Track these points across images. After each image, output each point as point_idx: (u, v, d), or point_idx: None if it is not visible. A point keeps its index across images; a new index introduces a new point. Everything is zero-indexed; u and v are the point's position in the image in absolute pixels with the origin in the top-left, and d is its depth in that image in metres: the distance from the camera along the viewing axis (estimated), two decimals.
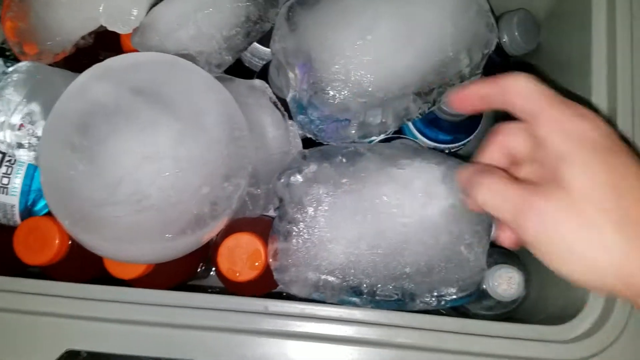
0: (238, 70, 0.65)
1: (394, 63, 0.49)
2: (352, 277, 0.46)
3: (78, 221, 0.43)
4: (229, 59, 0.53)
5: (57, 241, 0.49)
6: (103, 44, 0.59)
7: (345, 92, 0.49)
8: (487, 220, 0.47)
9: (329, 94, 0.49)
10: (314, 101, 0.50)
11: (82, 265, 0.56)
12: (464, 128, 0.59)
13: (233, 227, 0.59)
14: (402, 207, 0.46)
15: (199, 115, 0.47)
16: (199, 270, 0.65)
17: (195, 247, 0.48)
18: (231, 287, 0.58)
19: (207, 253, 0.62)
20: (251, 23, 0.51)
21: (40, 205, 0.52)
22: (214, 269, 0.69)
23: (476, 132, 0.60)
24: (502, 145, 0.40)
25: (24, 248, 0.50)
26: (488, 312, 0.55)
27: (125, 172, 0.44)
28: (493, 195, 0.36)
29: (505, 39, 0.57)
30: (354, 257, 0.46)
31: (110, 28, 0.50)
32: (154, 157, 0.45)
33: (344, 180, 0.47)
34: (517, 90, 0.37)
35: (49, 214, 0.52)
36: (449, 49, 0.50)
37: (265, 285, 0.58)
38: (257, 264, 0.51)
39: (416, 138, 0.60)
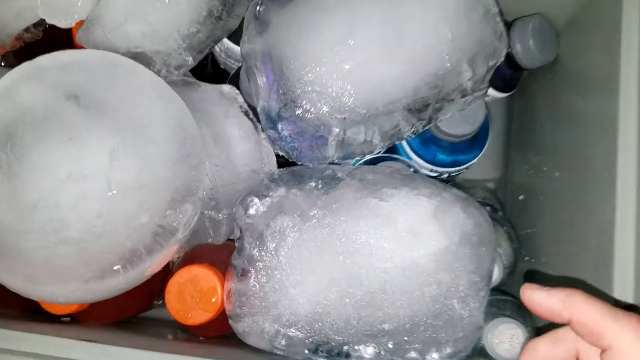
0: (214, 73, 0.57)
1: (380, 73, 0.40)
2: (318, 332, 0.38)
3: None
4: (189, 60, 0.46)
5: None
6: (57, 38, 0.51)
7: (321, 105, 0.40)
8: (488, 267, 0.39)
9: (301, 107, 0.41)
10: (283, 114, 0.41)
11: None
12: (467, 149, 0.50)
13: (190, 257, 0.51)
14: (382, 248, 0.38)
15: (142, 126, 0.39)
16: (156, 302, 0.57)
17: (135, 284, 0.40)
18: (188, 328, 0.50)
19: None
20: (214, 19, 0.43)
21: None
22: None
23: (480, 154, 0.51)
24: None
25: None
26: None
27: (45, 192, 0.36)
28: None
29: (518, 48, 0.49)
30: (322, 307, 0.37)
31: (49, 21, 0.43)
32: (80, 175, 0.37)
33: (314, 212, 0.39)
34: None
35: None
36: (447, 58, 0.41)
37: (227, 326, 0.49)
38: (213, 301, 0.43)
39: (410, 159, 0.51)
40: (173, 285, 0.43)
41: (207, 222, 0.47)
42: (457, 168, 0.51)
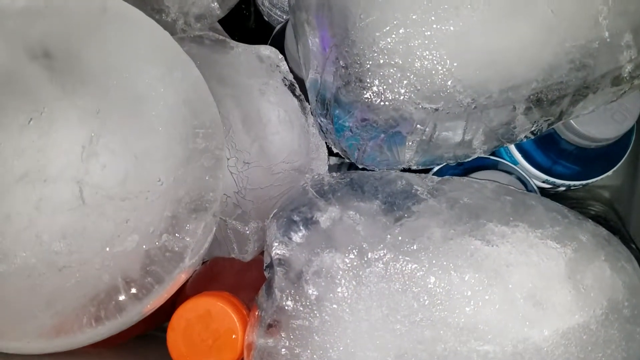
0: (256, 28, 0.44)
1: (500, 42, 0.26)
2: None
3: None
4: (216, 7, 0.32)
5: None
6: None
7: (402, 87, 0.27)
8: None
9: (371, 88, 0.27)
10: (343, 97, 0.28)
11: None
12: (601, 159, 0.36)
13: (207, 275, 0.39)
14: (484, 321, 0.24)
15: (134, 105, 0.27)
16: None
17: (125, 327, 0.28)
18: None
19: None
20: None
21: None
22: None
23: (616, 167, 0.36)
24: None
25: None
26: None
27: None
28: None
29: None
30: None
31: None
32: (40, 176, 0.25)
33: (380, 252, 0.26)
34: None
35: None
36: (604, 23, 0.27)
37: None
38: (225, 347, 0.31)
39: (516, 163, 0.37)
40: (179, 321, 0.31)
41: (231, 234, 0.35)
42: (583, 182, 0.37)
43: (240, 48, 0.35)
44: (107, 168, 0.26)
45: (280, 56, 0.36)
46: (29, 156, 0.25)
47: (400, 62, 0.26)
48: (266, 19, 0.43)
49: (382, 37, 0.27)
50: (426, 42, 0.26)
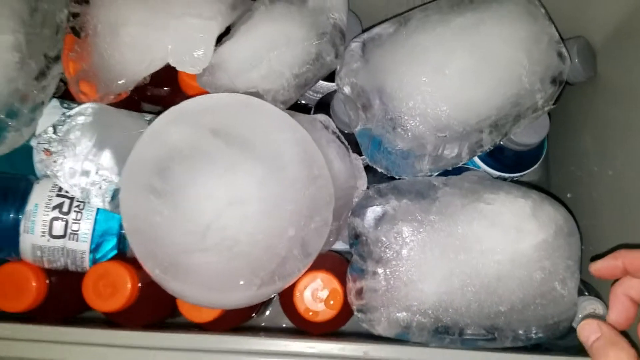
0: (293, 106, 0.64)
1: (472, 96, 0.48)
2: (444, 317, 0.45)
3: (167, 268, 0.41)
4: (295, 96, 0.52)
5: (128, 287, 0.48)
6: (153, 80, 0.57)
7: (424, 126, 0.48)
8: (577, 253, 0.47)
9: (408, 128, 0.48)
10: (390, 137, 0.49)
11: (147, 311, 0.54)
12: (529, 158, 0.58)
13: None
14: (493, 244, 0.45)
15: (278, 155, 0.46)
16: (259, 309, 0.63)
17: (279, 291, 0.47)
18: (300, 325, 0.57)
19: None
20: (322, 60, 0.50)
21: (104, 250, 0.50)
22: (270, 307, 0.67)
23: (538, 163, 0.59)
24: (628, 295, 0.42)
25: (94, 295, 0.48)
26: (567, 344, 0.54)
27: (212, 217, 0.43)
28: None
29: None
30: (447, 296, 0.44)
31: (179, 68, 0.49)
32: (239, 201, 0.44)
33: (431, 217, 0.46)
34: None
35: (114, 259, 0.50)
36: (525, 80, 0.49)
37: (337, 324, 0.56)
38: (332, 302, 0.50)
39: (478, 167, 0.59)
40: (301, 288, 0.50)
41: None
42: (519, 173, 0.59)
43: (308, 116, 0.55)
44: (273, 192, 0.44)
45: (329, 119, 0.56)
46: (227, 190, 0.44)
47: (422, 112, 0.48)
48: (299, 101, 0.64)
49: (409, 101, 0.48)
50: (434, 101, 0.48)
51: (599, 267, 0.42)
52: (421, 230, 0.46)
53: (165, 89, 0.62)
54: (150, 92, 0.61)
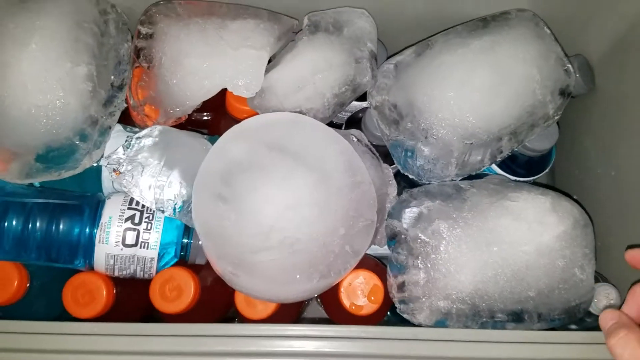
0: None
1: (494, 107, 0.55)
2: (480, 304, 0.50)
3: (238, 266, 0.47)
4: (332, 115, 0.59)
5: (192, 290, 0.53)
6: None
7: (453, 135, 0.54)
8: (592, 241, 0.53)
9: (438, 137, 0.54)
10: (422, 146, 0.55)
11: (206, 312, 0.59)
12: (541, 163, 0.65)
13: None
14: (520, 236, 0.51)
15: (325, 164, 0.52)
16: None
17: (333, 284, 0.52)
18: (341, 320, 0.62)
19: None
20: (359, 82, 0.57)
21: (167, 258, 0.56)
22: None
23: (548, 168, 0.66)
24: None
25: (160, 298, 0.53)
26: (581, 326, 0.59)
27: (273, 220, 0.49)
28: (622, 350, 0.40)
29: None
30: (482, 284, 0.50)
31: (235, 93, 0.55)
32: (294, 205, 0.49)
33: (463, 214, 0.52)
34: None
35: (177, 265, 0.56)
36: (538, 93, 0.56)
37: (377, 318, 0.62)
38: (373, 298, 0.56)
39: (494, 172, 0.65)
40: (347, 285, 0.55)
41: None
42: (531, 178, 0.66)
43: (343, 131, 0.61)
44: (324, 195, 0.50)
45: (361, 133, 0.62)
46: (285, 196, 0.50)
47: (450, 123, 0.54)
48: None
49: (438, 113, 0.54)
50: (461, 112, 0.54)
51: (634, 254, 0.46)
52: (456, 226, 0.52)
53: (207, 113, 0.68)
54: (194, 117, 0.68)
